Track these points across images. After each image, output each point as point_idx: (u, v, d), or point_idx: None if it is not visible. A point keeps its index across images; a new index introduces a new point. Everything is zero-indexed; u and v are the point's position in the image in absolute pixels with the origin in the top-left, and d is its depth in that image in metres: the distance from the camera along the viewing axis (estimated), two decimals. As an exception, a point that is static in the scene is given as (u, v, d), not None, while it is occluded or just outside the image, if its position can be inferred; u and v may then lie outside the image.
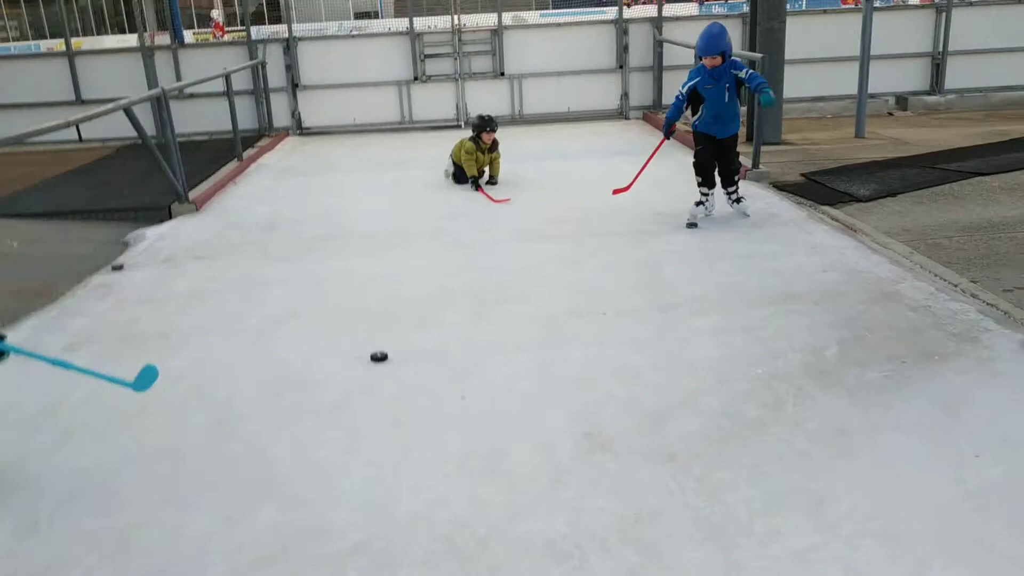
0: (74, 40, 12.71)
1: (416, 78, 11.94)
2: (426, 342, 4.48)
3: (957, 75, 12.06)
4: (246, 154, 10.18)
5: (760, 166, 7.99)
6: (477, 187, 7.98)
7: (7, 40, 32.72)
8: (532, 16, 28.38)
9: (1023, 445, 3.19)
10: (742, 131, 6.84)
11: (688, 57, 10.12)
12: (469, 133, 8.20)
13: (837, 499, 2.91)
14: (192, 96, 11.67)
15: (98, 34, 32.70)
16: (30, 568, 2.75)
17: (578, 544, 2.71)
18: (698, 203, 6.59)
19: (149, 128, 7.70)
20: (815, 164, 8.54)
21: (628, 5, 11.69)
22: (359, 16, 37.47)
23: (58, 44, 16.44)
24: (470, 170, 8.03)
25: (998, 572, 2.54)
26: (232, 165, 9.53)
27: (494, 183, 8.20)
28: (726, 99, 6.30)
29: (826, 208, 6.89)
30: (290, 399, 3.86)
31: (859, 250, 5.70)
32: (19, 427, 3.71)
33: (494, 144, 8.15)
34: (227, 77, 9.64)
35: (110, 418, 3.71)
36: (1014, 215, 6.43)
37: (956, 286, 4.99)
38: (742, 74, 6.19)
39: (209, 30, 27.61)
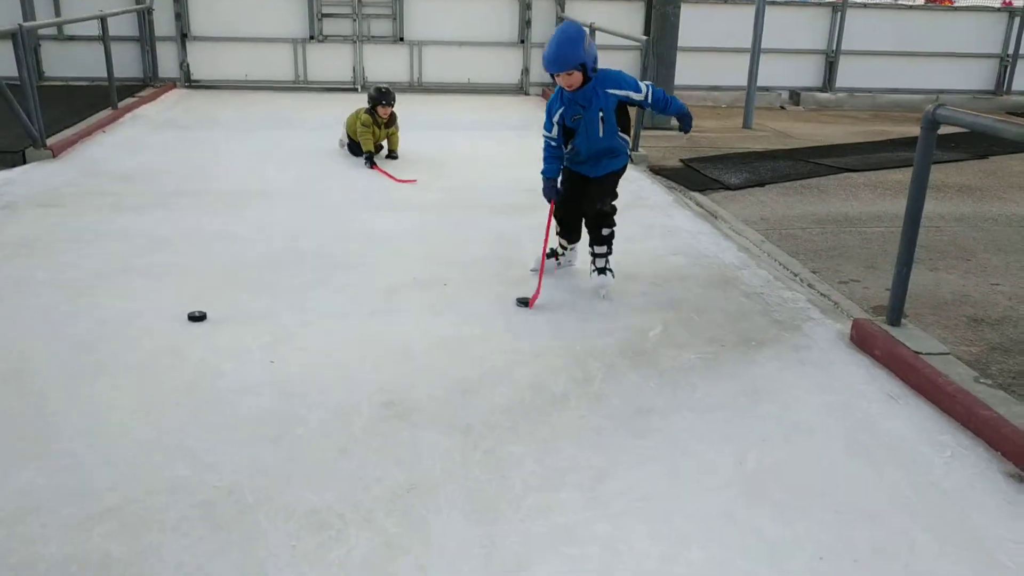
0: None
1: (312, 37, 11.59)
2: (255, 304, 4.34)
3: (849, 74, 12.38)
4: (125, 103, 9.74)
5: (640, 149, 8.02)
6: (372, 164, 7.41)
7: None
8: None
9: (810, 432, 3.26)
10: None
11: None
12: (364, 98, 7.71)
13: (616, 477, 2.91)
14: (72, 38, 11.11)
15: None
16: None
17: (342, 514, 2.63)
18: (550, 254, 4.87)
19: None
20: (697, 151, 8.63)
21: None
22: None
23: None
24: (366, 145, 7.48)
25: (753, 553, 2.57)
26: (105, 113, 9.09)
27: (394, 157, 7.73)
28: (600, 133, 4.41)
29: (694, 194, 6.97)
30: (91, 358, 3.67)
31: (713, 236, 5.76)
32: None
33: (392, 118, 7.63)
34: (103, 20, 9.18)
35: None
36: (869, 211, 6.62)
37: (796, 275, 5.09)
38: (636, 96, 4.41)
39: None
